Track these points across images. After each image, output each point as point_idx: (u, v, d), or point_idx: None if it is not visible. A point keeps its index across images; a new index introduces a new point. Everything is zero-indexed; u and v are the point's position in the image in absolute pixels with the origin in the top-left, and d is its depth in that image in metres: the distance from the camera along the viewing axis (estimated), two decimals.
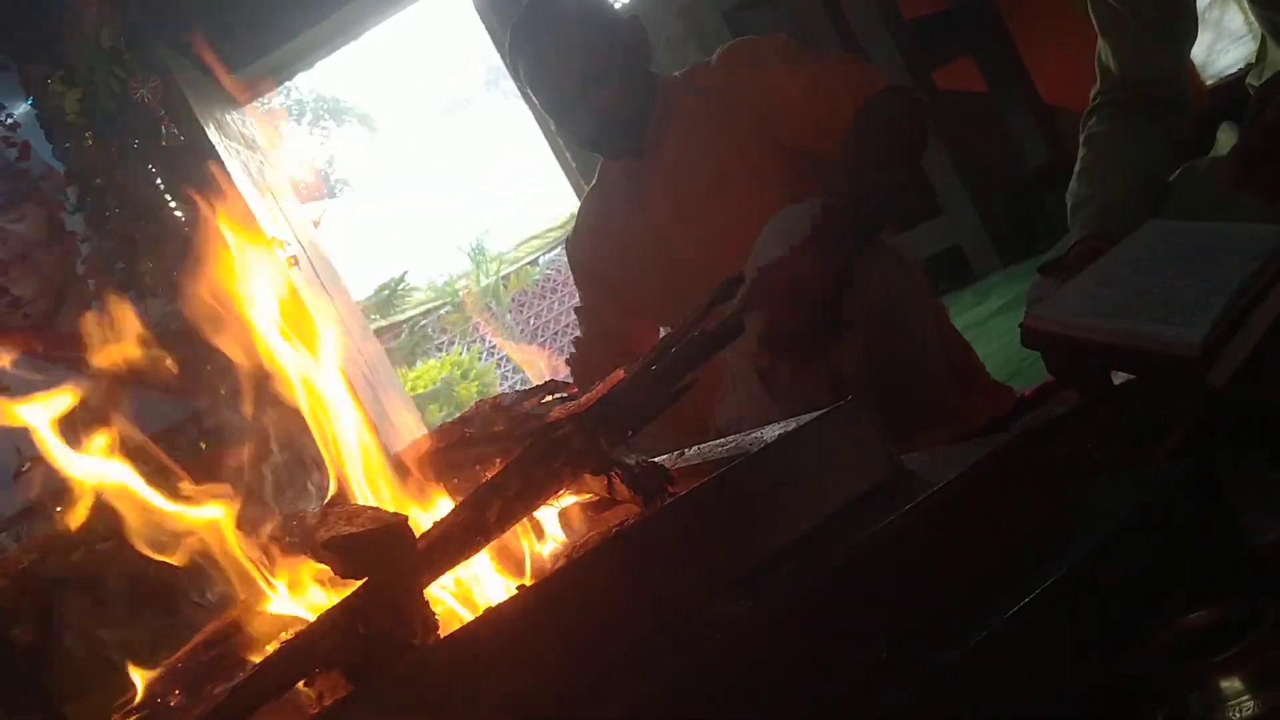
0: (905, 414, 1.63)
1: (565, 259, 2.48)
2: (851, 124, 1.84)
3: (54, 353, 4.15)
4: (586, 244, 2.31)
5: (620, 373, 1.10)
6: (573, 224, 2.38)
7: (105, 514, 1.25)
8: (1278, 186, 1.25)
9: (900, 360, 1.75)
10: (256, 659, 1.06)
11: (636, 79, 2.09)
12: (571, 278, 2.46)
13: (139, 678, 1.18)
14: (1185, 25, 1.72)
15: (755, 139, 2.03)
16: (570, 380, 1.35)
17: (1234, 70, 3.52)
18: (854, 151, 1.80)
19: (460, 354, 12.34)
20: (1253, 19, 1.82)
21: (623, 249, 2.22)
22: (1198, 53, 3.89)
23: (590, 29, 2.07)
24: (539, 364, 1.71)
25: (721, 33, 4.59)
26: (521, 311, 12.96)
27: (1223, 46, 3.66)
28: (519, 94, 4.81)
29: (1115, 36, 1.73)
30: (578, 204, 2.46)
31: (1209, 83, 3.72)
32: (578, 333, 2.36)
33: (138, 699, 1.13)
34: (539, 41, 2.08)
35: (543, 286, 12.92)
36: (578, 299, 2.40)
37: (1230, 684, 0.80)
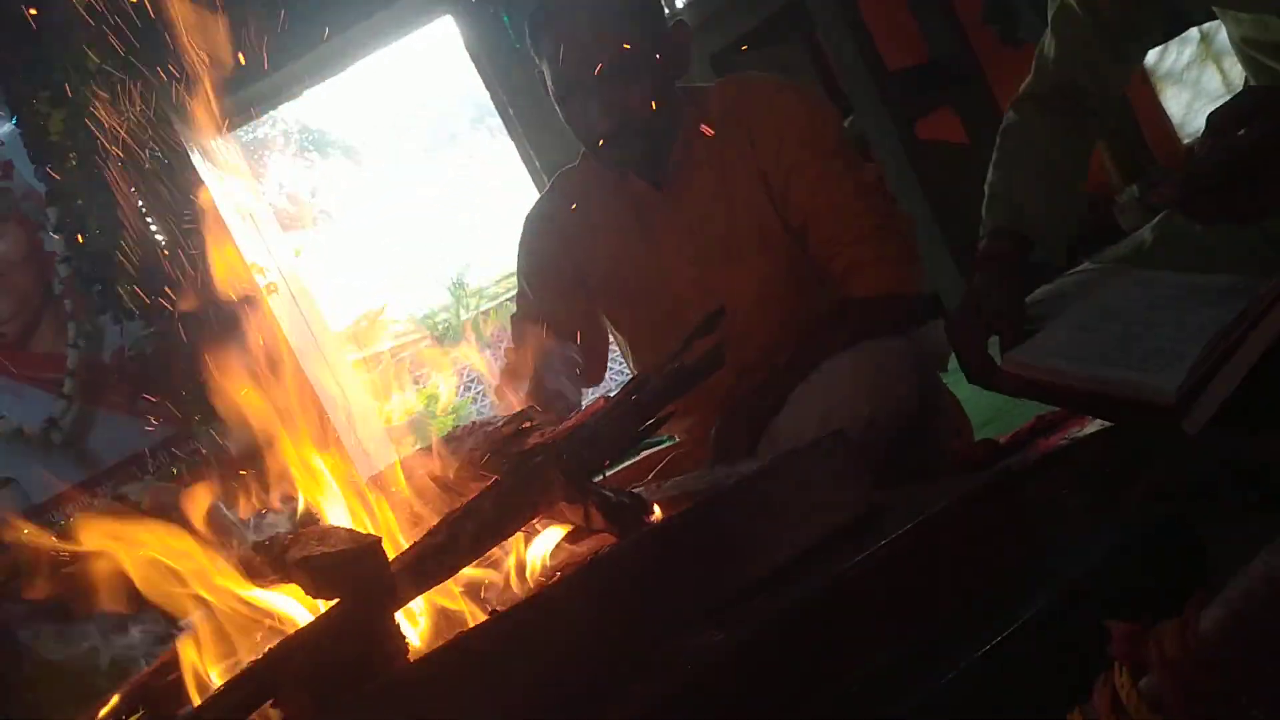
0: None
1: None
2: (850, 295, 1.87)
3: (27, 373, 4.11)
4: (555, 246, 2.08)
5: (600, 401, 1.10)
6: (529, 221, 2.14)
7: (71, 538, 1.24)
8: (1214, 215, 1.27)
9: (913, 454, 1.77)
10: (221, 680, 1.05)
11: (668, 91, 1.88)
12: None
13: (102, 700, 1.16)
14: (1139, 45, 1.72)
15: (772, 203, 1.93)
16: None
17: None
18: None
19: (437, 388, 12.29)
20: (1230, 79, 1.85)
21: (613, 269, 2.04)
22: (1175, 111, 3.95)
23: (634, 16, 1.83)
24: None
25: (706, 77, 4.63)
26: (500, 346, 12.94)
27: (1200, 106, 3.71)
28: (502, 120, 4.83)
29: (1064, 34, 1.71)
30: None
31: (1186, 140, 3.77)
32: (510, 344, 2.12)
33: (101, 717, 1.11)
34: (574, 13, 1.82)
35: None
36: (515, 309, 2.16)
37: None
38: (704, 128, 1.94)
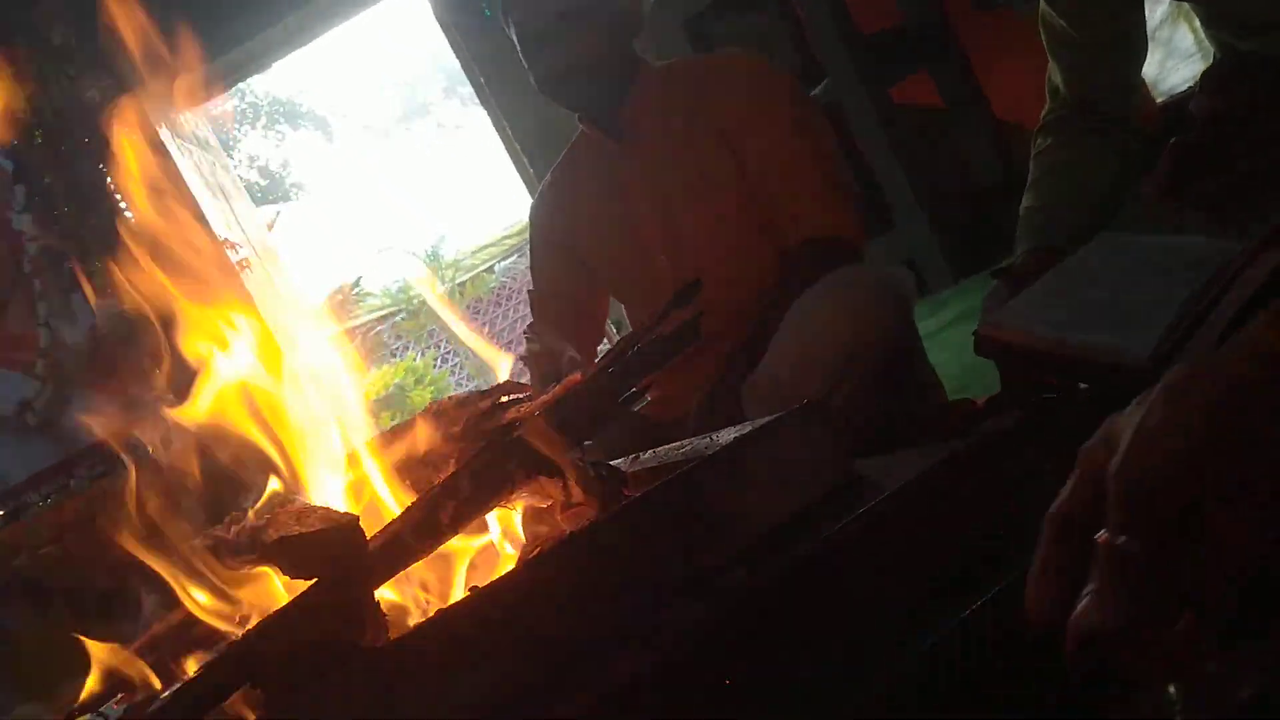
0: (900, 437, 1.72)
1: (521, 267, 2.45)
2: (794, 243, 1.99)
3: (0, 354, 4.07)
4: (555, 216, 2.28)
5: (577, 375, 1.09)
6: (540, 190, 2.35)
7: (48, 519, 1.23)
8: (1202, 197, 1.26)
9: (894, 392, 1.78)
10: (203, 661, 1.04)
11: (620, 42, 2.08)
12: (524, 280, 2.42)
13: (82, 682, 1.16)
14: (1133, 42, 1.75)
15: (730, 151, 2.06)
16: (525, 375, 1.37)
17: (1184, 88, 3.57)
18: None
19: (415, 360, 12.27)
20: (1203, 38, 1.86)
21: (593, 229, 2.21)
22: (1149, 70, 3.95)
23: None
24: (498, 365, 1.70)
25: (680, 42, 4.60)
26: (477, 318, 12.91)
27: (1173, 64, 3.72)
28: (474, 88, 4.80)
29: (1063, 57, 1.76)
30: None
31: (1160, 100, 3.78)
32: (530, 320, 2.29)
33: (80, 702, 1.11)
34: None
35: (498, 294, 12.88)
36: (531, 283, 2.36)
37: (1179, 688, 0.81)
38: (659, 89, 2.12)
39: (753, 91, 2.07)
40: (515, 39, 2.10)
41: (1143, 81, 1.90)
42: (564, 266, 2.25)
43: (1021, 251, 1.70)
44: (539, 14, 2.03)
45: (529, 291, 2.35)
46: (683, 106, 2.10)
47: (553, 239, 2.28)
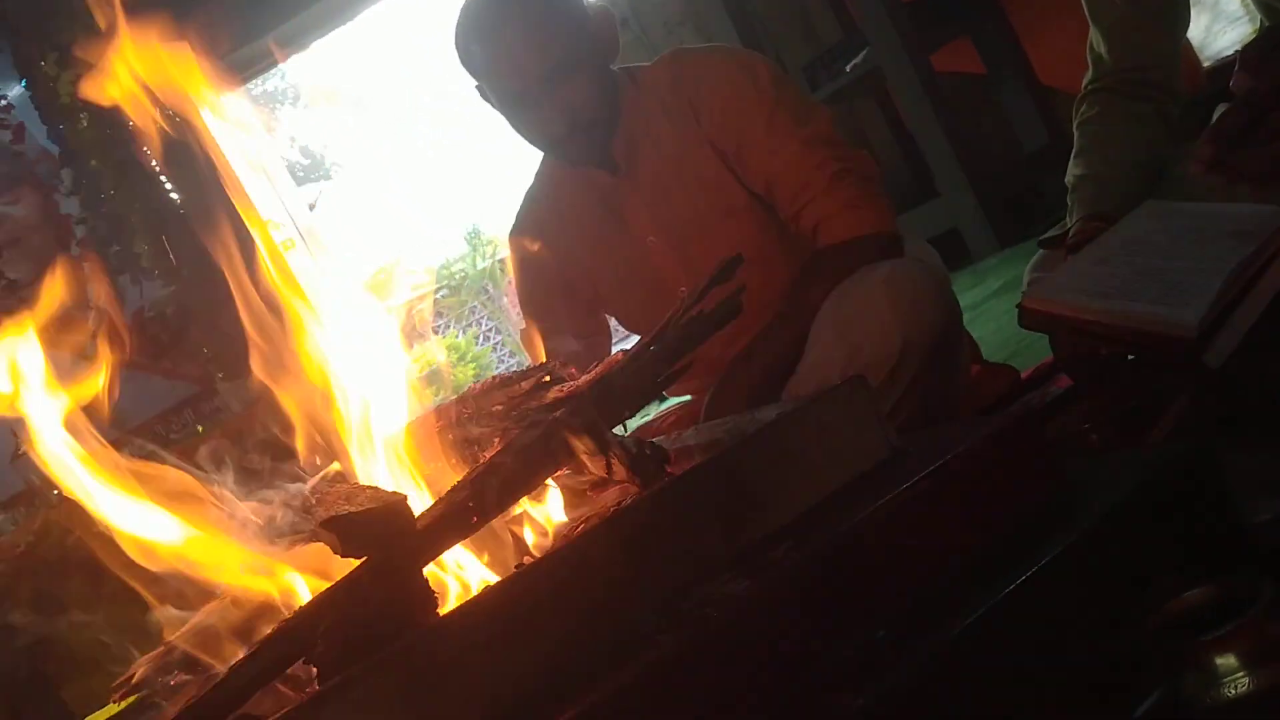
0: (940, 412, 1.70)
1: None
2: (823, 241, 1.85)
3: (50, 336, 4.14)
4: (546, 256, 2.10)
5: (619, 354, 1.10)
6: (519, 223, 2.18)
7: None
8: (1249, 170, 1.24)
9: (942, 380, 1.73)
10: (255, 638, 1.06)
11: (605, 77, 1.93)
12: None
13: (138, 658, 1.18)
14: (1177, 9, 1.73)
15: (731, 173, 1.94)
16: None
17: (1231, 52, 3.51)
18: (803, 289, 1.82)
19: (456, 337, 12.33)
20: (1250, 2, 1.83)
21: (599, 267, 2.09)
22: (1195, 34, 3.88)
23: (559, 18, 1.86)
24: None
25: (719, 15, 4.58)
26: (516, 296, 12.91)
27: (1220, 28, 3.65)
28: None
29: (1106, 23, 1.74)
30: None
31: (1206, 64, 3.71)
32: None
33: (136, 679, 1.13)
34: (502, 30, 1.85)
35: None
36: (525, 326, 2.19)
37: (1225, 661, 0.81)
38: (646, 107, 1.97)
39: (734, 95, 1.90)
40: (495, 102, 1.95)
41: (1186, 44, 1.88)
42: (565, 310, 2.12)
43: (1076, 220, 1.68)
44: (525, 79, 1.85)
45: (522, 332, 2.23)
46: (669, 125, 1.95)
47: (545, 277, 2.12)
